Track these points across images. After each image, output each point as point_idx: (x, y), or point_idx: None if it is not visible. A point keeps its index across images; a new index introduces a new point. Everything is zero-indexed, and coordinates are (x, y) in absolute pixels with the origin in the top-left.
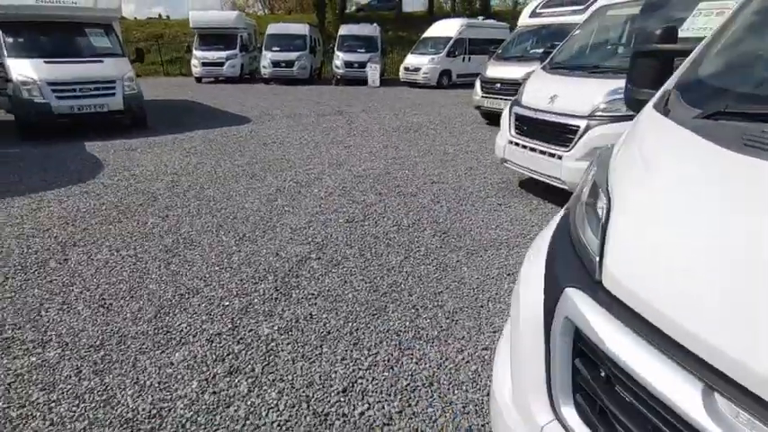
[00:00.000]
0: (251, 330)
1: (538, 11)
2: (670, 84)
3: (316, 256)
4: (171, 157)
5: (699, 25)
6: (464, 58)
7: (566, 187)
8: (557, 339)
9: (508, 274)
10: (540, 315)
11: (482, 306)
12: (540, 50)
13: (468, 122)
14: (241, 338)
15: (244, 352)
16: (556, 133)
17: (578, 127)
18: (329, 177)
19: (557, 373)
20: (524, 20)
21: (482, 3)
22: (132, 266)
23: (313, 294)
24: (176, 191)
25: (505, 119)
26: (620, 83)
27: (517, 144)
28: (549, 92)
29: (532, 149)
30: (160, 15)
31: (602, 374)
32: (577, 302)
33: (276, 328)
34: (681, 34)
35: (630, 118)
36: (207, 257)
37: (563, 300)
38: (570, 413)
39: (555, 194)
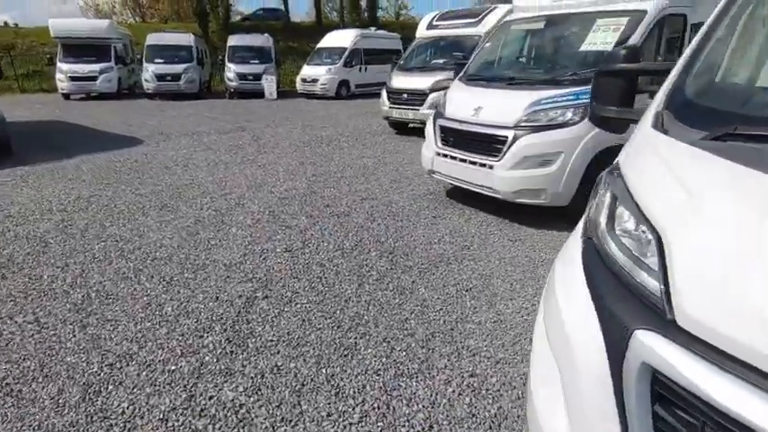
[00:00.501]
0: (212, 398)
1: (434, 23)
2: (658, 104)
3: (263, 295)
4: (54, 191)
5: (599, 40)
6: (361, 68)
7: (498, 196)
8: (632, 387)
9: (466, 291)
10: (602, 361)
11: (452, 329)
12: (441, 61)
13: (378, 133)
14: (203, 410)
15: (211, 427)
16: (484, 144)
17: (506, 137)
18: (251, 201)
19: (635, 422)
20: (422, 32)
21: (370, 14)
22: (37, 336)
23: (272, 341)
24: (71, 232)
25: (430, 130)
26: (539, 94)
27: (445, 155)
28: (472, 103)
29: (462, 160)
30: (6, 23)
31: (692, 420)
32: (654, 345)
33: (241, 389)
34: (583, 47)
35: (550, 128)
36: (132, 312)
37: (635, 344)
38: None
39: (485, 203)
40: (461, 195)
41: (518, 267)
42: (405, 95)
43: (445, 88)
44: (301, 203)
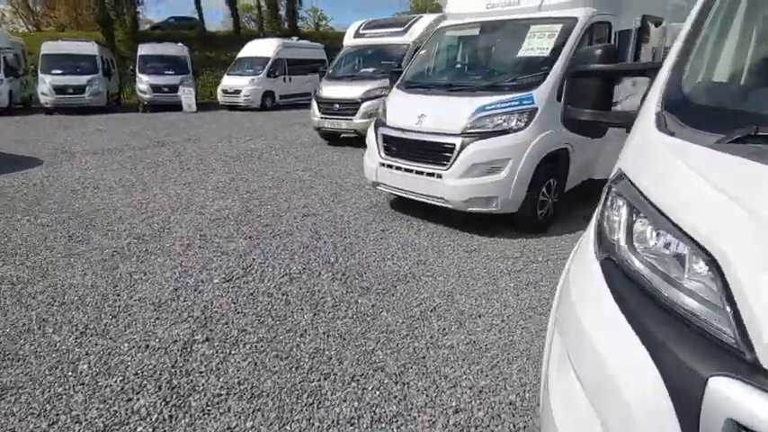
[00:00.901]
0: None
1: (361, 32)
2: (655, 105)
3: (202, 338)
4: None
5: (536, 45)
6: (285, 78)
7: (449, 206)
8: None
9: (431, 311)
10: (661, 402)
11: (424, 357)
12: (371, 70)
13: (310, 144)
14: None
15: None
16: (431, 153)
17: (454, 145)
18: (179, 225)
19: None
20: (349, 40)
21: (290, 24)
22: None
23: (220, 395)
24: None
25: (372, 141)
26: (482, 101)
27: (390, 166)
28: (414, 111)
29: (408, 170)
30: None
31: None
32: (741, 398)
33: None
34: (520, 53)
35: (497, 134)
36: (37, 374)
37: (714, 396)
38: None
39: (431, 213)
40: (406, 206)
41: (479, 280)
42: (336, 105)
43: (378, 97)
44: (237, 224)
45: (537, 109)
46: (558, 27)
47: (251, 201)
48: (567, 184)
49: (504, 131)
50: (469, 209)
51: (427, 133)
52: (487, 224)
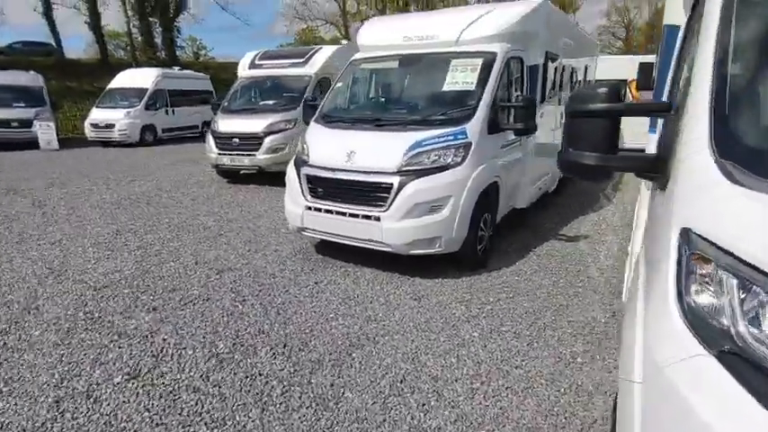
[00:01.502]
0: None
1: (257, 62)
2: (700, 151)
3: None
4: None
5: (460, 79)
6: (167, 110)
7: (389, 250)
8: None
9: (401, 382)
10: None
11: None
12: (271, 102)
13: (207, 183)
14: None
15: None
16: (365, 193)
17: (391, 185)
18: (51, 302)
19: None
20: (245, 71)
21: (168, 53)
22: None
23: None
24: None
25: (294, 182)
26: (416, 136)
27: (318, 209)
28: (342, 148)
29: (340, 213)
30: None
31: None
32: None
33: None
34: (446, 87)
35: (435, 171)
36: None
37: None
38: None
39: (363, 256)
40: (334, 250)
41: (440, 334)
42: (236, 140)
43: (282, 131)
44: (134, 292)
45: (471, 143)
46: (479, 61)
47: (147, 258)
48: (498, 216)
49: (442, 168)
50: (412, 251)
51: (359, 172)
52: (426, 264)
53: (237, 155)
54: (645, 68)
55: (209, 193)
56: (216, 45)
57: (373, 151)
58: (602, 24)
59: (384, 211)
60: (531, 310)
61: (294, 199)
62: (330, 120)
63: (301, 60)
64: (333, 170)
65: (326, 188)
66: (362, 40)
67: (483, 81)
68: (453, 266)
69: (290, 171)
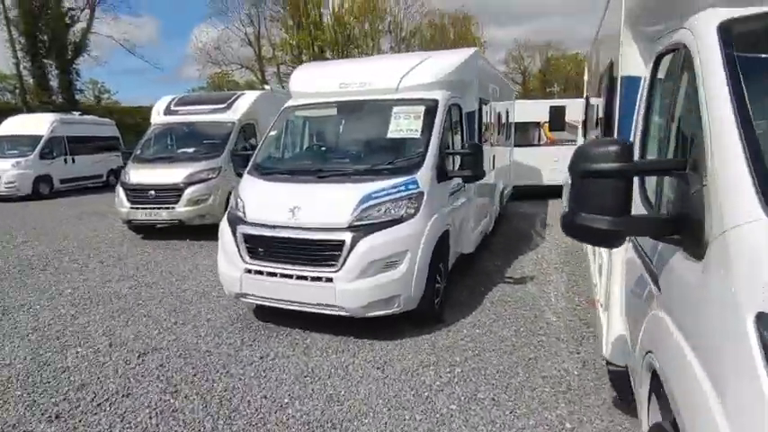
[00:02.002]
0: None
1: (173, 108)
2: (749, 212)
3: None
4: None
5: (404, 127)
6: (66, 159)
7: (344, 313)
8: None
9: None
10: None
11: None
12: (191, 150)
13: (118, 241)
14: None
15: None
16: (314, 252)
17: (342, 242)
18: None
19: None
20: (159, 118)
21: (66, 97)
22: None
23: None
24: None
25: (229, 242)
26: (366, 188)
27: (259, 272)
28: (284, 203)
29: (286, 276)
30: None
31: None
32: None
33: None
34: (390, 135)
35: (389, 224)
36: None
37: None
38: None
39: (313, 321)
40: (277, 314)
41: (415, 410)
42: (152, 192)
43: (203, 181)
44: (29, 394)
45: (423, 193)
46: (422, 108)
47: (45, 344)
48: (449, 265)
49: (396, 220)
50: (369, 314)
51: (306, 229)
52: (380, 323)
53: (154, 208)
54: (555, 111)
55: (121, 252)
56: (121, 89)
57: (319, 206)
58: (502, 71)
59: (336, 271)
60: (502, 369)
61: (230, 261)
62: (266, 171)
63: (223, 106)
64: (274, 228)
65: (268, 248)
66: (296, 86)
67: (428, 128)
68: (409, 323)
69: (224, 230)
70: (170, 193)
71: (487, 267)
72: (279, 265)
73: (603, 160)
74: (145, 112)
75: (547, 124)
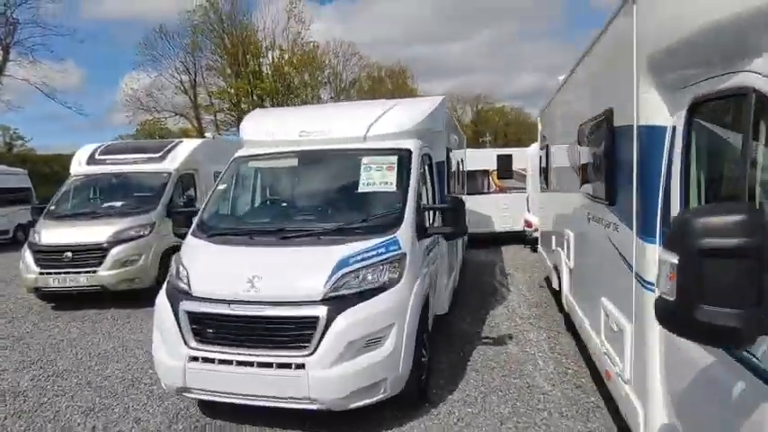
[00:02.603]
0: None
1: (99, 157)
2: None
3: None
4: None
5: (377, 180)
6: None
7: (320, 407)
8: None
9: None
10: None
11: None
12: (118, 204)
13: (20, 314)
14: None
15: None
16: (279, 333)
17: (315, 318)
18: None
19: None
20: (81, 168)
21: None
22: None
23: None
24: None
25: (167, 321)
26: (339, 251)
27: (209, 360)
28: (241, 272)
29: (243, 364)
30: None
31: None
32: None
33: None
34: (362, 188)
35: (369, 294)
36: None
37: None
38: None
39: (273, 415)
40: (226, 409)
41: None
42: (68, 254)
43: (133, 239)
44: None
45: (405, 254)
46: (394, 159)
47: None
48: (430, 330)
49: (378, 289)
50: (351, 405)
51: (269, 304)
52: (353, 412)
53: (70, 272)
54: (503, 160)
55: (24, 330)
56: (39, 136)
57: (285, 274)
58: None
59: (309, 354)
60: None
61: (170, 347)
62: (216, 232)
63: (158, 155)
64: (229, 303)
65: (221, 329)
66: (249, 134)
67: (403, 181)
68: (390, 407)
69: (162, 307)
70: (91, 255)
71: (461, 327)
72: (235, 351)
73: (728, 234)
74: (64, 161)
75: (495, 172)
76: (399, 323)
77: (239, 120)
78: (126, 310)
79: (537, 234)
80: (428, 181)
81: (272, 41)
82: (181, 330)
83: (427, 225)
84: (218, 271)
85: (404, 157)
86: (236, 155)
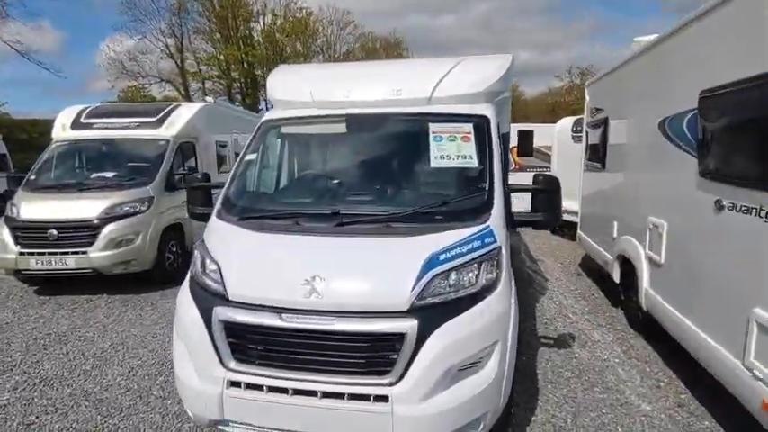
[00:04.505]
0: None
1: (84, 121)
2: None
3: None
4: None
5: (452, 152)
6: None
7: None
8: None
9: None
10: None
11: None
12: (110, 174)
13: (2, 298)
14: None
15: None
16: (352, 353)
17: (402, 335)
18: None
19: None
20: (65, 133)
21: None
22: None
23: None
24: None
25: (199, 333)
26: (424, 244)
27: (254, 387)
28: (295, 269)
29: (302, 393)
30: None
31: None
32: None
33: None
34: (434, 163)
35: (466, 303)
36: None
37: None
38: None
39: None
40: None
41: None
42: (53, 232)
43: (128, 215)
44: None
45: (501, 248)
46: (469, 127)
47: None
48: None
49: (476, 296)
50: None
51: (337, 314)
52: None
53: (56, 254)
54: (524, 136)
55: (2, 320)
56: (15, 101)
57: (356, 274)
58: None
59: (393, 383)
60: None
61: (201, 366)
62: (249, 215)
63: (153, 119)
64: (281, 312)
65: (270, 346)
66: (279, 92)
67: (486, 155)
68: None
69: (186, 311)
70: (80, 233)
71: None
72: (291, 375)
73: None
74: (43, 127)
75: (515, 149)
76: (503, 339)
77: (229, 88)
78: (121, 296)
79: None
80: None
81: (264, 5)
82: (215, 346)
83: (519, 214)
84: (263, 268)
85: (481, 125)
86: (266, 117)
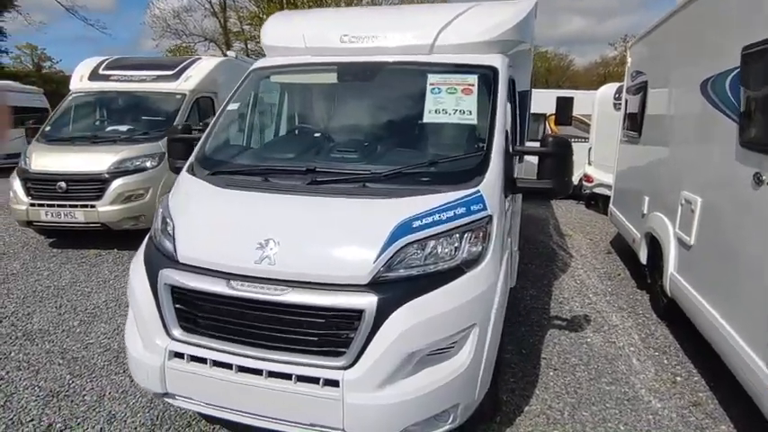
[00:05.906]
0: None
1: (102, 72)
2: None
3: None
4: None
5: (449, 106)
6: None
7: None
8: None
9: None
10: None
11: None
12: (124, 128)
13: (12, 251)
14: None
15: None
16: (303, 329)
17: (359, 311)
18: None
19: None
20: (82, 83)
21: None
22: None
23: None
24: None
25: (145, 299)
26: (397, 208)
27: (198, 359)
28: (249, 231)
29: (248, 370)
30: None
31: None
32: None
33: None
34: (426, 118)
35: (441, 278)
36: None
37: None
38: None
39: None
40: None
41: None
42: (62, 184)
43: (138, 171)
44: None
45: (492, 217)
46: (473, 78)
47: None
48: None
49: (454, 270)
50: None
51: (289, 284)
52: None
53: (64, 206)
54: (563, 103)
55: (10, 270)
56: (68, 58)
57: (315, 239)
58: None
59: (347, 366)
60: None
61: (146, 335)
62: (218, 170)
63: (171, 73)
64: (229, 278)
65: (216, 315)
66: (271, 38)
67: (488, 110)
68: None
69: (135, 275)
70: (89, 186)
71: (524, 301)
72: (236, 348)
73: None
74: None
75: (552, 117)
76: (482, 323)
77: None
78: (130, 252)
79: (596, 190)
80: (509, 115)
81: None
82: (160, 312)
83: (523, 179)
84: (216, 228)
85: (487, 76)
86: (254, 65)
